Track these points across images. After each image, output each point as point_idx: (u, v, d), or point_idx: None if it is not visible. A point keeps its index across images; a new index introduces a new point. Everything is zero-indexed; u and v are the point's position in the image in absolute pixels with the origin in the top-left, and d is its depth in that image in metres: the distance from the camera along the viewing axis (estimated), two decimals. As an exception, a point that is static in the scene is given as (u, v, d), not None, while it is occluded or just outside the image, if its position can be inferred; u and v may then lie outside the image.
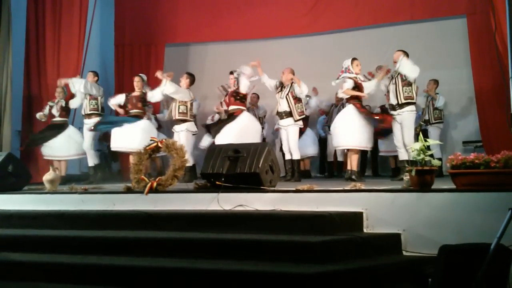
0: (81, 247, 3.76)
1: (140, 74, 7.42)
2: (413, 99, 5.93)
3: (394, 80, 6.02)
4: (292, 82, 6.49)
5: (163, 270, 3.29)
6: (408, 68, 5.82)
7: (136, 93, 7.07)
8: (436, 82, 7.55)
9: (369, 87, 6.21)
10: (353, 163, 6.12)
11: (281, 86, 6.57)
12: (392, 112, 6.07)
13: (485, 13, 6.92)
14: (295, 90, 6.43)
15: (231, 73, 6.89)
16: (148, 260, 3.43)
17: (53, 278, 3.47)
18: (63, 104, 7.40)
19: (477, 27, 7.48)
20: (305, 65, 8.57)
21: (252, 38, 9.06)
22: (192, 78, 7.02)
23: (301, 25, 8.72)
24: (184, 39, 9.28)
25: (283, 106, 6.49)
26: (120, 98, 7.13)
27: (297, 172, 6.51)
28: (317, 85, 8.19)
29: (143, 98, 7.04)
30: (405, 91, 5.90)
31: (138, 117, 6.94)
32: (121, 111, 7.12)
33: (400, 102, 5.91)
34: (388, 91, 6.16)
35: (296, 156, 6.53)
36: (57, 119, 7.39)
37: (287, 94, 6.48)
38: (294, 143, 6.51)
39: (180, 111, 6.82)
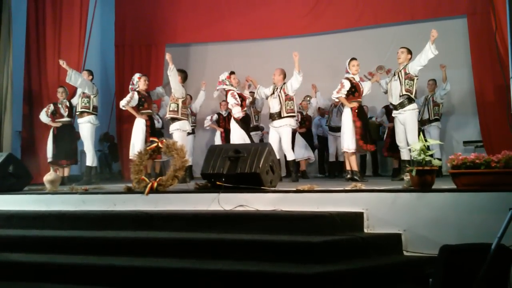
0: (81, 248, 3.77)
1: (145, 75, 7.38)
2: (412, 93, 5.89)
3: (396, 77, 5.96)
4: (284, 82, 6.51)
5: (164, 270, 3.30)
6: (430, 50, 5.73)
7: (145, 92, 6.98)
8: (435, 81, 7.56)
9: (365, 87, 6.24)
10: (352, 163, 6.15)
11: (274, 88, 6.58)
12: (394, 112, 6.04)
13: (485, 13, 6.93)
14: (286, 85, 6.45)
15: (234, 73, 6.79)
16: (149, 261, 3.43)
17: (54, 279, 3.48)
18: (68, 104, 7.42)
19: (478, 27, 7.49)
20: (305, 65, 8.52)
21: (253, 38, 9.07)
22: (184, 75, 6.94)
23: (301, 26, 8.72)
24: (184, 40, 9.28)
25: (275, 107, 6.48)
26: (135, 100, 6.80)
27: (293, 172, 6.51)
28: (318, 85, 8.19)
29: (150, 98, 7.07)
30: (407, 84, 5.85)
31: (151, 116, 6.98)
32: (139, 115, 6.85)
33: (401, 94, 5.86)
34: (387, 90, 6.14)
35: (291, 157, 6.54)
36: (66, 119, 7.40)
37: (279, 92, 6.48)
38: (287, 144, 6.50)
39: (171, 109, 6.70)
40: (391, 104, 6.09)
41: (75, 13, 7.97)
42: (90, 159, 7.16)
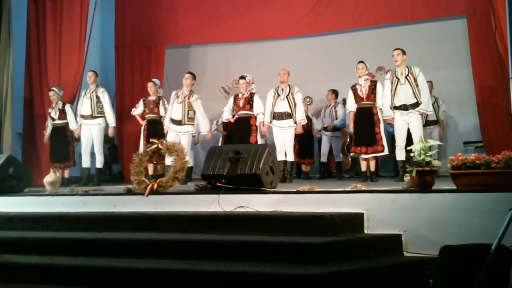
0: (81, 249, 3.77)
1: (153, 80, 7.49)
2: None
3: (403, 80, 5.95)
4: (289, 84, 6.57)
5: (164, 271, 3.29)
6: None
7: (152, 97, 7.25)
8: (431, 83, 7.53)
9: (378, 87, 6.26)
10: (361, 164, 6.39)
11: (277, 89, 6.59)
12: (402, 112, 5.97)
13: (485, 13, 6.92)
14: (294, 89, 6.56)
15: (243, 77, 6.88)
16: (149, 262, 3.43)
17: (54, 280, 3.47)
18: (60, 106, 7.36)
19: (477, 28, 7.48)
20: (305, 66, 8.58)
21: (253, 39, 9.06)
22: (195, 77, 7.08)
23: (301, 26, 8.72)
24: (184, 41, 9.28)
25: (285, 107, 6.53)
26: (140, 108, 7.32)
27: (289, 173, 6.59)
28: (318, 86, 8.19)
29: (158, 103, 7.15)
30: (418, 91, 5.93)
31: (155, 121, 7.05)
32: (142, 121, 7.31)
33: (419, 102, 5.89)
34: (390, 91, 6.08)
35: (291, 158, 6.61)
36: (57, 121, 7.37)
37: (288, 95, 6.52)
38: (290, 145, 6.58)
39: (190, 116, 6.82)
40: (402, 105, 5.96)
41: (75, 14, 7.97)
42: (100, 161, 7.23)
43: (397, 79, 6.01)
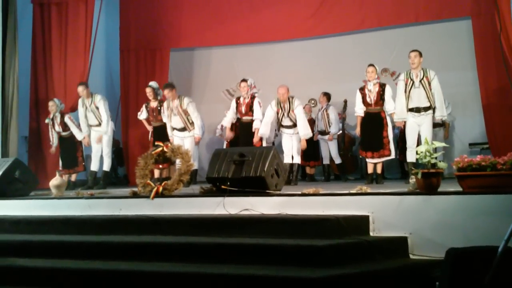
0: (87, 252, 3.78)
1: (150, 84, 7.42)
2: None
3: (418, 83, 5.88)
4: (289, 97, 6.55)
5: (169, 274, 3.30)
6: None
7: (153, 104, 7.21)
8: None
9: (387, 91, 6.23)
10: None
11: (279, 103, 6.59)
12: (414, 114, 5.93)
13: (490, 14, 6.90)
14: (294, 102, 6.55)
15: (245, 80, 6.91)
16: (154, 265, 3.44)
17: (60, 283, 3.49)
18: (59, 119, 7.30)
19: (482, 29, 7.44)
20: (309, 68, 8.59)
21: (257, 41, 9.06)
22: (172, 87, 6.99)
23: (305, 28, 8.71)
24: (188, 44, 9.29)
25: (288, 122, 6.60)
26: (144, 113, 7.34)
27: (294, 176, 6.63)
28: (322, 87, 8.17)
29: (159, 109, 7.13)
30: (433, 95, 5.88)
31: (162, 127, 7.00)
32: (149, 127, 7.34)
33: (433, 106, 5.85)
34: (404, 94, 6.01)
35: (298, 161, 6.67)
36: (63, 133, 7.36)
37: (289, 112, 6.55)
38: (298, 148, 6.65)
39: (190, 121, 6.86)
40: (414, 108, 5.92)
41: (80, 19, 8.01)
42: (108, 164, 7.27)
43: (411, 81, 5.92)
